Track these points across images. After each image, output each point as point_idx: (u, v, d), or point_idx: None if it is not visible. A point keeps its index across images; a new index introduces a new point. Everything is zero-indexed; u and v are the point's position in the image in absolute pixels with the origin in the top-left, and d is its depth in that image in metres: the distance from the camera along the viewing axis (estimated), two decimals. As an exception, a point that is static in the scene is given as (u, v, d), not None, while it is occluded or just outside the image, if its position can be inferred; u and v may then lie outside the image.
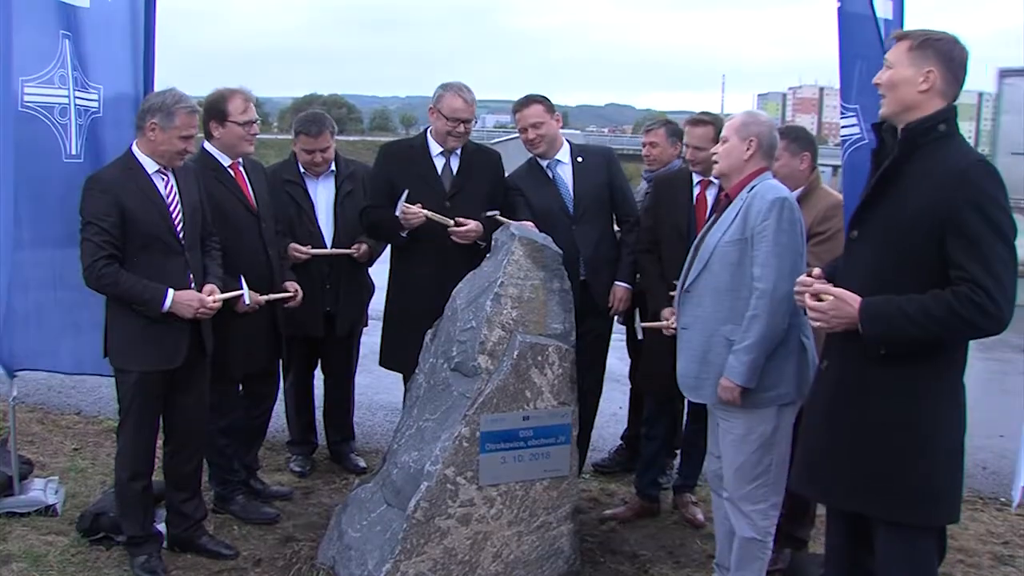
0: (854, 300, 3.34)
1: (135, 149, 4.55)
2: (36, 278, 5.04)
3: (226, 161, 5.18)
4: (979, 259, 3.15)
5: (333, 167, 5.92)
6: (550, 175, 5.67)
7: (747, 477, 4.24)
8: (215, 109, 5.12)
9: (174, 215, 4.58)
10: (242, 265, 5.06)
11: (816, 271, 3.69)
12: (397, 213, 5.23)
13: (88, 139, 4.81)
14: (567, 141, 5.81)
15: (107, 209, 4.38)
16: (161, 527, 4.90)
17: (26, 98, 4.74)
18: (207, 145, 5.21)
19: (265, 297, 5.05)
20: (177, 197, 4.61)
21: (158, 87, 4.88)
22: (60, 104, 4.69)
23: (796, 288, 3.67)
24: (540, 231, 4.97)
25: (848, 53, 4.89)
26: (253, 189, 5.28)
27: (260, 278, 5.16)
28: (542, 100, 5.66)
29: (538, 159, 5.70)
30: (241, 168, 5.25)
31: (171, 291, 4.46)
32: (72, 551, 4.82)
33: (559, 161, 5.68)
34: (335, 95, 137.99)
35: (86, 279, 4.44)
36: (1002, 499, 6.48)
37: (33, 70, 4.73)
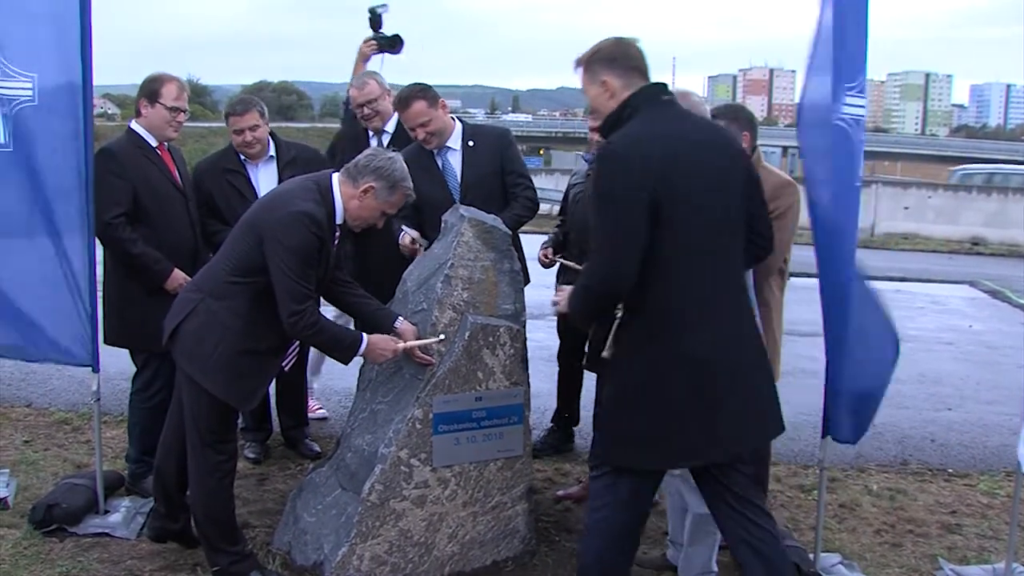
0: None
1: (337, 192, 4.32)
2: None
3: (153, 142, 5.27)
4: (598, 228, 3.55)
5: (273, 152, 5.84)
6: (439, 162, 5.54)
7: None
8: (149, 89, 5.23)
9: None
10: (169, 240, 5.21)
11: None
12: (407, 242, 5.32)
13: (16, 128, 4.72)
14: (459, 122, 5.64)
15: (318, 256, 4.22)
16: (115, 518, 4.88)
17: None
18: (134, 124, 5.29)
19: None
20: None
21: (100, 76, 4.81)
22: None
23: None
24: (423, 218, 5.17)
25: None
26: (179, 170, 5.39)
27: (187, 254, 5.27)
28: (422, 95, 5.39)
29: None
30: (168, 150, 5.36)
31: (366, 336, 4.34)
32: (24, 544, 4.76)
33: (449, 148, 5.54)
34: (285, 82, 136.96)
35: (293, 324, 4.15)
36: (950, 470, 6.63)
37: None
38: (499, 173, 5.54)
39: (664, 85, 3.68)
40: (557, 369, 6.47)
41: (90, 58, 4.72)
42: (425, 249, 5.13)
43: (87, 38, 4.70)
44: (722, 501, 3.77)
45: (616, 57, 3.62)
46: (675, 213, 3.46)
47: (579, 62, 3.71)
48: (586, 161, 6.09)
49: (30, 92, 4.71)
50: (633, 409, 3.60)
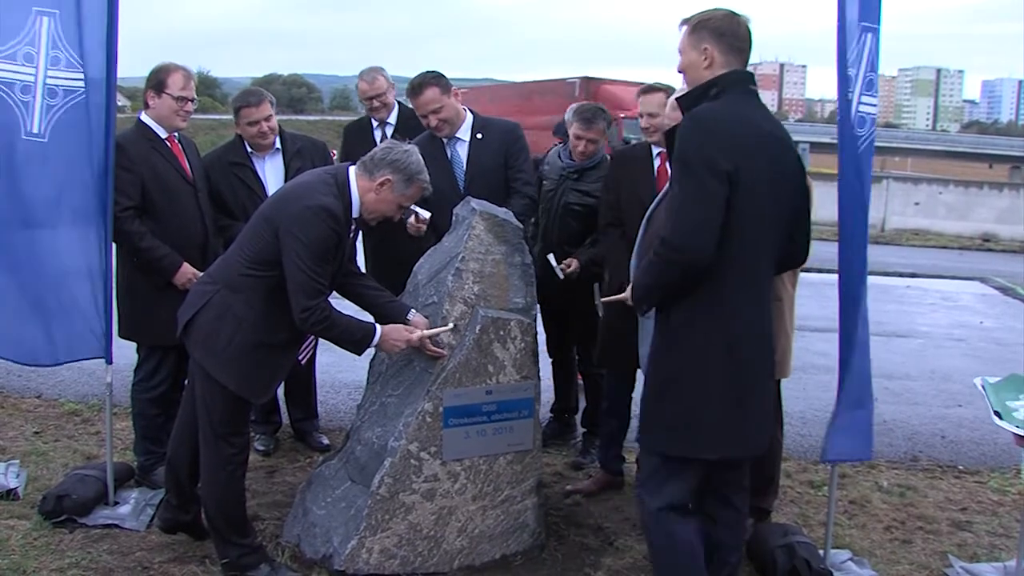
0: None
1: (354, 185, 4.29)
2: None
3: (163, 133, 5.26)
4: (678, 194, 3.54)
5: (279, 144, 5.81)
6: (448, 152, 5.56)
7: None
8: (155, 80, 5.22)
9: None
10: (179, 233, 5.20)
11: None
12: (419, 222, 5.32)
13: (61, 119, 4.73)
14: (470, 113, 5.65)
15: (335, 251, 4.20)
16: (125, 509, 4.88)
17: None
18: (143, 116, 5.28)
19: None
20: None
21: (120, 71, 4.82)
22: (22, 81, 4.62)
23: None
24: (429, 207, 5.10)
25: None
26: (189, 161, 5.39)
27: (195, 246, 5.27)
28: (435, 81, 5.44)
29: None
30: (177, 141, 5.36)
31: (379, 327, 4.35)
32: (35, 535, 4.76)
33: (458, 138, 5.55)
34: (295, 74, 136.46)
35: (304, 319, 4.12)
36: (960, 467, 6.61)
37: None
38: (503, 167, 5.52)
39: (752, 75, 3.74)
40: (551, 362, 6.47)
41: (115, 51, 4.73)
42: (426, 225, 5.18)
43: (113, 31, 4.71)
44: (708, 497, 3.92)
45: (725, 32, 3.67)
46: (742, 195, 3.49)
47: (688, 20, 3.74)
48: (561, 160, 5.97)
49: (82, 84, 4.73)
50: (675, 395, 3.64)
